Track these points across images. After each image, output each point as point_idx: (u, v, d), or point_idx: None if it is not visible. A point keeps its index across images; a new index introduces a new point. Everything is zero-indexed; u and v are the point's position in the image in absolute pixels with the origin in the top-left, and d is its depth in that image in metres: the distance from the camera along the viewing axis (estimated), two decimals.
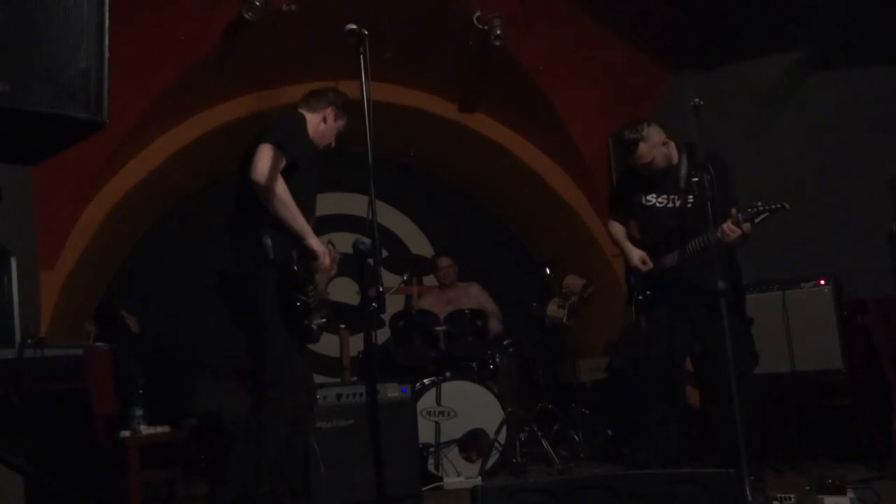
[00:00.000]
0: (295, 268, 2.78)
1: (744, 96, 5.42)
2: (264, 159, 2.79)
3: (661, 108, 5.84)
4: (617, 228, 4.00)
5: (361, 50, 2.41)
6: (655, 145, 3.73)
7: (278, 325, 2.82)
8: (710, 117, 3.36)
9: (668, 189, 3.77)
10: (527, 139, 6.67)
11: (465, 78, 6.17)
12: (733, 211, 3.40)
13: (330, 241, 3.33)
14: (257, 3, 4.86)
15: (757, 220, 3.39)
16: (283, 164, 2.82)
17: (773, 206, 3.36)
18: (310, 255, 2.89)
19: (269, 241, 2.79)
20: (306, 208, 2.96)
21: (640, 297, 3.82)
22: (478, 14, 5.27)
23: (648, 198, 3.81)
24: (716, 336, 3.50)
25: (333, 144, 3.26)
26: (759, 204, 3.37)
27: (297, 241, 2.87)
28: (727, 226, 3.41)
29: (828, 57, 5.13)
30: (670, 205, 3.75)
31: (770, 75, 5.34)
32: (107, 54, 1.54)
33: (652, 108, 5.88)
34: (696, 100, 3.32)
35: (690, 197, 3.70)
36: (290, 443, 2.83)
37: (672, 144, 3.80)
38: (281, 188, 2.80)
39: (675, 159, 3.79)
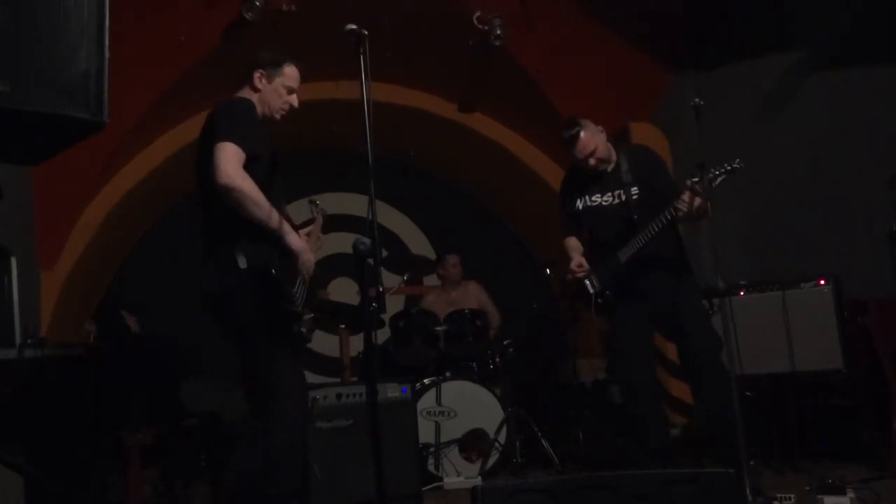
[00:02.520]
0: (273, 272, 2.62)
1: (744, 96, 5.42)
2: (224, 159, 2.57)
3: (661, 108, 5.84)
4: (573, 241, 4.01)
5: (361, 50, 2.40)
6: (595, 133, 3.76)
7: (266, 336, 2.68)
8: (710, 117, 3.36)
9: (610, 186, 3.80)
10: (527, 139, 6.67)
11: (465, 78, 6.17)
12: (690, 181, 3.39)
13: (311, 201, 3.27)
14: (257, 3, 4.86)
15: (716, 184, 3.37)
16: (243, 159, 2.62)
17: (729, 167, 3.34)
18: (290, 255, 2.74)
19: (242, 257, 2.61)
20: (275, 200, 2.75)
21: (599, 301, 3.80)
22: (478, 14, 5.27)
23: (593, 198, 3.83)
24: (682, 326, 3.58)
25: (296, 104, 2.94)
26: (713, 169, 3.35)
27: (275, 242, 2.70)
28: (686, 195, 3.42)
29: (828, 57, 5.13)
30: (616, 201, 3.78)
31: (770, 75, 5.34)
32: (107, 54, 1.54)
33: (652, 108, 5.88)
34: (696, 100, 3.33)
35: (635, 189, 3.72)
36: (290, 448, 2.78)
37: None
38: (249, 186, 2.59)
39: (614, 154, 3.83)
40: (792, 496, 3.22)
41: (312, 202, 3.31)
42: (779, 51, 5.29)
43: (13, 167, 1.79)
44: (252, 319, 2.66)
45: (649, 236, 3.58)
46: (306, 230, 3.13)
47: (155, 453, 3.78)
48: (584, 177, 3.84)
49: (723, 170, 3.36)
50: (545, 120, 6.16)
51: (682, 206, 3.44)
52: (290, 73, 2.91)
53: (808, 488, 3.35)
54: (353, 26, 2.41)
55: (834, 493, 3.21)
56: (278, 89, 2.88)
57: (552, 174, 6.66)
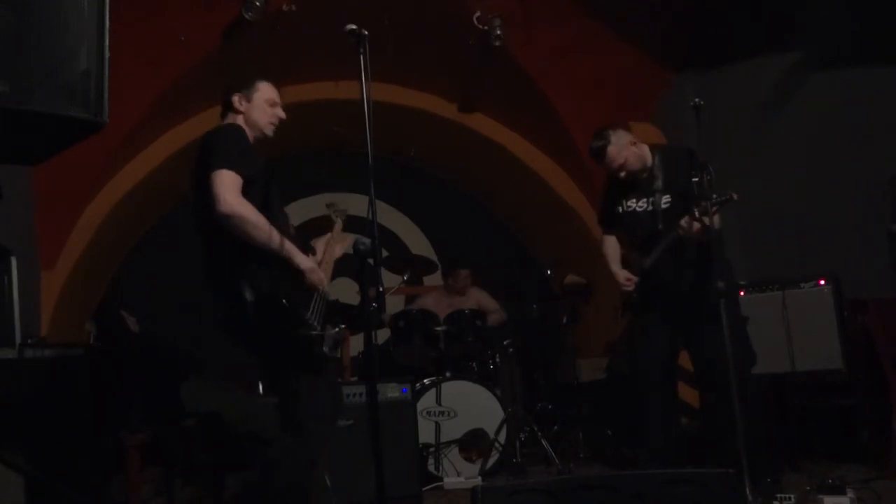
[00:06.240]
0: (284, 301, 2.60)
1: (744, 96, 5.41)
2: (222, 187, 2.55)
3: (661, 108, 5.84)
4: (610, 249, 4.01)
5: (361, 50, 2.40)
6: (624, 146, 3.74)
7: (286, 362, 2.68)
8: (710, 117, 3.36)
9: (644, 192, 3.79)
10: (527, 139, 6.67)
11: (465, 78, 6.17)
12: (692, 209, 3.41)
13: (329, 204, 3.24)
14: (257, 3, 4.85)
15: (712, 213, 3.36)
16: (241, 184, 2.60)
17: (723, 198, 3.34)
18: (300, 277, 2.71)
19: (248, 290, 2.58)
20: (275, 218, 2.72)
21: (628, 301, 3.84)
22: (478, 14, 5.27)
23: (628, 203, 3.83)
24: (705, 336, 3.51)
25: (283, 115, 2.92)
26: (714, 195, 3.36)
27: (282, 265, 2.67)
28: (684, 220, 3.44)
29: (828, 57, 5.13)
30: (649, 207, 3.77)
31: (770, 75, 5.34)
32: (107, 55, 1.54)
33: (652, 108, 5.88)
34: (696, 100, 3.32)
35: (666, 197, 3.71)
36: (315, 459, 2.78)
37: (643, 146, 3.82)
38: (250, 212, 2.58)
39: (649, 161, 3.80)
40: (792, 496, 3.22)
41: (331, 205, 3.27)
42: (779, 51, 5.29)
43: (13, 167, 1.79)
44: (270, 348, 2.67)
45: (664, 250, 3.58)
46: (324, 238, 3.12)
47: (155, 453, 3.78)
48: (623, 180, 3.83)
49: (719, 200, 3.34)
50: (545, 120, 6.17)
51: (680, 231, 3.46)
52: (265, 87, 2.91)
53: (808, 488, 3.35)
54: (353, 26, 2.40)
55: (834, 493, 3.21)
56: (260, 105, 2.88)
57: (552, 174, 6.67)
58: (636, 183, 3.81)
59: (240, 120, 2.87)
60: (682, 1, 5.22)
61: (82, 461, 3.43)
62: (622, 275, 3.84)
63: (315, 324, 2.70)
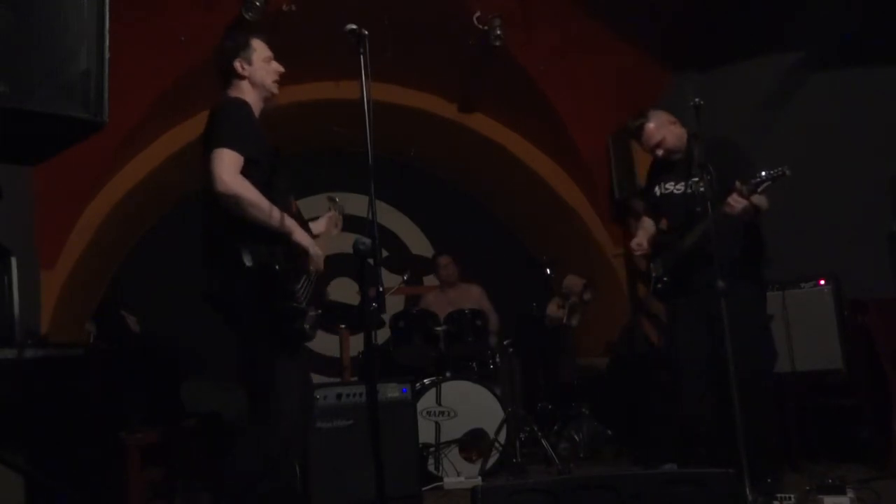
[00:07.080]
0: (276, 268, 2.61)
1: (744, 96, 5.41)
2: (222, 166, 2.58)
3: (661, 108, 5.83)
4: (646, 222, 3.97)
5: (361, 50, 2.40)
6: (663, 124, 3.73)
7: (267, 336, 2.67)
8: (710, 117, 3.35)
9: (682, 175, 3.75)
10: (527, 139, 6.67)
11: (465, 78, 6.17)
12: (737, 183, 3.30)
13: (330, 198, 3.29)
14: (257, 3, 4.86)
15: (760, 190, 3.29)
16: (241, 164, 2.62)
17: (775, 174, 3.26)
18: (297, 252, 2.73)
19: (248, 255, 2.59)
20: (280, 199, 2.73)
21: (658, 286, 3.77)
22: (478, 14, 5.28)
23: (667, 185, 3.80)
24: (721, 331, 3.46)
25: (282, 69, 2.92)
26: (763, 173, 3.29)
27: (278, 240, 2.69)
28: (732, 198, 3.30)
29: (828, 57, 5.13)
30: (688, 190, 3.71)
31: (770, 75, 5.34)
32: (107, 55, 1.54)
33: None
34: (696, 100, 3.31)
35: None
36: (288, 446, 2.78)
37: (682, 128, 3.80)
38: (249, 191, 2.60)
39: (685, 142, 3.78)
40: (792, 496, 3.22)
41: (331, 199, 3.30)
42: (779, 51, 5.29)
43: (13, 167, 1.79)
44: (255, 318, 2.65)
45: (703, 233, 3.47)
46: (321, 220, 3.16)
47: (155, 453, 3.78)
48: (664, 164, 3.82)
49: (771, 175, 3.25)
50: (545, 120, 6.17)
51: (728, 209, 3.33)
52: (259, 45, 2.89)
53: (808, 488, 3.35)
54: (353, 26, 2.41)
55: (834, 493, 3.21)
56: (260, 65, 2.87)
57: (552, 174, 6.67)
58: (674, 165, 3.78)
59: (244, 86, 2.85)
60: (682, 1, 5.22)
61: (82, 461, 3.43)
62: (638, 238, 3.79)
63: (301, 298, 2.71)
